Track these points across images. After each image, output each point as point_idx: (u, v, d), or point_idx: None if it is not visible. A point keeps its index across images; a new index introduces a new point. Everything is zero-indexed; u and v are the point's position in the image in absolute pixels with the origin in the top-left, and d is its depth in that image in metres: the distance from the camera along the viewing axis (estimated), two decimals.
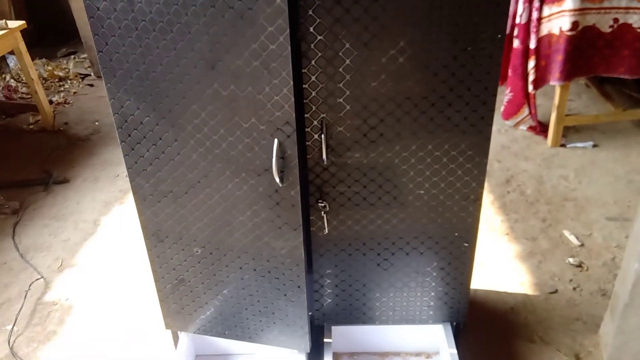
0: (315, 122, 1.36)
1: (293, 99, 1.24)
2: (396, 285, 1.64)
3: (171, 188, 1.45)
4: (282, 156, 1.31)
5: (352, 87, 1.30)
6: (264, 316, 1.64)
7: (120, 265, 2.34)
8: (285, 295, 1.57)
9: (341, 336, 1.75)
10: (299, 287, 1.54)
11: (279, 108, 1.26)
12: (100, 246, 2.46)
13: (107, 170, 2.97)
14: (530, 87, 2.94)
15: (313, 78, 1.30)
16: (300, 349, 1.69)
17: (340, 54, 1.27)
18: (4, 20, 2.90)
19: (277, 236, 1.47)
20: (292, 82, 1.22)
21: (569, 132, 3.12)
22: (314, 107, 1.33)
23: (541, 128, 3.13)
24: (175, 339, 1.80)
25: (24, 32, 3.04)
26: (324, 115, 1.34)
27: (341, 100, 1.32)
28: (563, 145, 3.04)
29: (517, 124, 3.17)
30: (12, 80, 3.74)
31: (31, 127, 3.39)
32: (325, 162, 1.40)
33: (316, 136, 1.37)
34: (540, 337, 1.94)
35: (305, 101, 1.33)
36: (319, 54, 1.27)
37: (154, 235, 1.54)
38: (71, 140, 3.24)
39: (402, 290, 1.64)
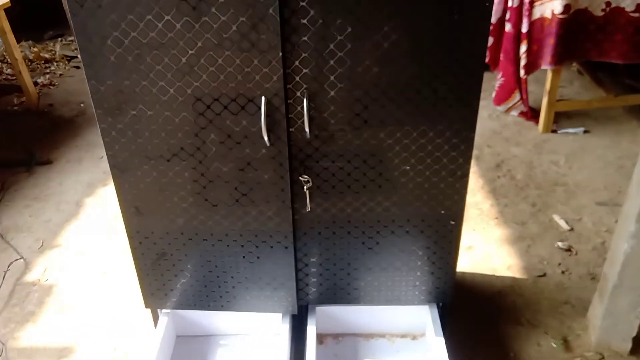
0: (298, 94, 1.31)
1: (281, 54, 1.21)
2: (381, 265, 1.60)
3: (151, 157, 1.40)
4: (269, 115, 1.29)
5: (337, 56, 1.26)
6: (250, 282, 1.61)
7: (102, 247, 2.29)
8: (272, 258, 1.55)
9: (325, 317, 1.71)
10: (286, 248, 1.51)
11: (266, 64, 1.21)
12: (82, 227, 2.41)
13: (92, 152, 2.92)
14: (522, 72, 2.90)
15: (298, 46, 1.25)
16: (288, 311, 1.67)
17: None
18: None
19: (264, 197, 1.44)
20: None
21: (560, 119, 3.09)
22: (297, 78, 1.29)
23: (532, 114, 3.10)
24: (155, 318, 1.76)
25: (10, 14, 2.97)
26: (307, 86, 1.30)
27: (325, 70, 1.28)
28: (554, 131, 3.02)
29: (509, 110, 3.14)
30: None
31: (15, 108, 3.33)
32: (309, 136, 1.36)
33: (299, 108, 1.33)
34: (528, 320, 1.91)
35: (287, 71, 1.28)
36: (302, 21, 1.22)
37: (133, 209, 1.50)
38: (56, 122, 3.18)
39: (387, 270, 1.61)
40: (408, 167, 1.42)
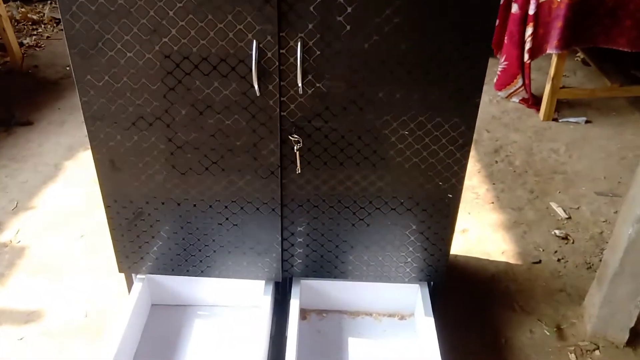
0: (291, 43, 1.21)
1: None
2: (372, 238, 1.50)
3: (130, 105, 1.30)
4: (260, 60, 1.19)
5: (336, 1, 1.16)
6: (232, 247, 1.52)
7: (80, 210, 2.18)
8: (257, 221, 1.46)
9: (310, 291, 1.62)
10: (273, 209, 1.42)
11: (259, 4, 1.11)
12: (59, 190, 2.30)
13: (75, 114, 2.79)
14: (526, 56, 2.80)
15: None
16: (271, 278, 1.58)
17: None
18: None
19: (252, 153, 1.35)
20: None
21: (562, 107, 3.00)
22: (290, 25, 1.18)
23: (534, 101, 3.01)
24: (130, 284, 1.66)
25: None
26: (302, 34, 1.20)
27: (322, 17, 1.17)
28: (555, 120, 2.93)
29: (510, 96, 3.05)
30: None
31: None
32: (301, 91, 1.25)
33: (292, 59, 1.23)
34: (521, 307, 1.83)
35: (281, 15, 1.18)
36: None
37: (108, 163, 1.39)
38: (40, 83, 3.04)
39: (378, 244, 1.51)
40: (406, 132, 1.32)
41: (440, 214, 1.45)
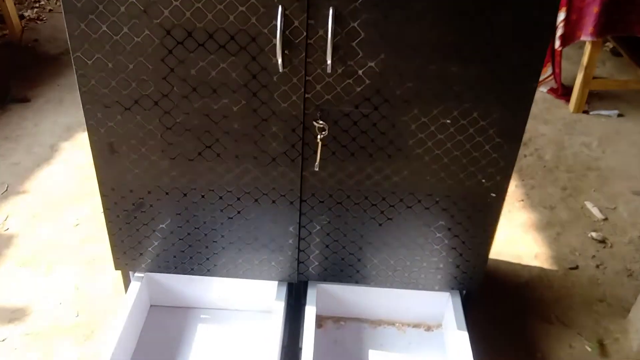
0: (321, 12, 1.03)
1: None
2: (401, 241, 1.33)
3: (133, 80, 1.12)
4: (285, 31, 1.02)
5: None
6: (243, 243, 1.35)
7: (76, 196, 2.01)
8: (272, 214, 1.29)
9: (327, 296, 1.45)
10: (291, 203, 1.26)
11: None
12: (54, 173, 2.13)
13: (74, 93, 2.61)
14: (557, 43, 2.61)
15: None
16: (285, 279, 1.41)
17: None
18: None
19: (269, 138, 1.18)
20: None
21: (593, 99, 2.81)
22: None
23: (563, 91, 2.82)
24: (127, 282, 1.49)
25: None
26: (335, 2, 1.01)
27: None
28: (586, 112, 2.74)
29: (538, 85, 2.85)
30: None
31: None
32: (330, 69, 1.07)
33: (321, 32, 1.05)
34: (558, 317, 1.66)
35: None
36: None
37: (106, 146, 1.22)
38: (39, 58, 2.86)
39: (407, 246, 1.34)
40: (448, 121, 1.15)
41: (481, 215, 1.28)
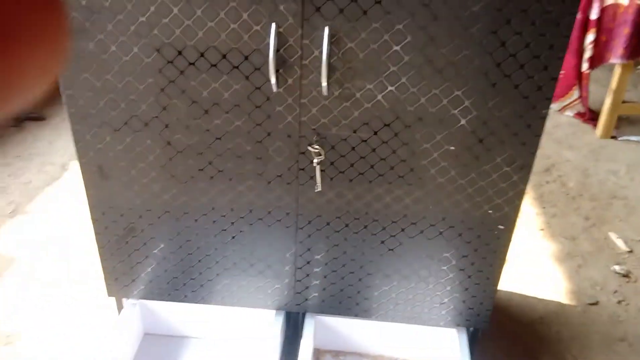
0: (315, 32, 0.97)
1: None
2: (403, 272, 1.26)
3: (122, 100, 1.08)
4: (279, 49, 0.97)
5: None
6: (238, 269, 1.29)
7: (80, 217, 1.99)
8: (268, 239, 1.23)
9: (326, 329, 1.38)
10: (287, 227, 1.20)
11: None
12: (62, 193, 2.12)
13: None
14: (585, 66, 2.52)
15: None
16: (282, 308, 1.35)
17: None
18: None
19: (264, 161, 1.12)
20: None
21: (622, 124, 2.70)
22: (315, 7, 0.95)
23: (590, 115, 2.71)
24: (120, 309, 1.44)
25: None
26: (331, 22, 0.96)
27: (356, 0, 0.94)
28: (614, 137, 2.62)
29: (563, 109, 2.76)
30: None
31: None
32: (326, 92, 1.02)
33: (316, 52, 0.99)
34: (575, 358, 1.55)
35: None
36: None
37: (96, 169, 1.18)
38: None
39: (409, 279, 1.26)
40: (452, 147, 1.07)
41: (487, 248, 1.19)
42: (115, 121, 1.11)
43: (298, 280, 1.29)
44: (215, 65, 1.03)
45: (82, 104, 1.10)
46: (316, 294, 1.31)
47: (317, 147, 1.09)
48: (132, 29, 1.00)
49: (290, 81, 1.03)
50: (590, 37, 2.43)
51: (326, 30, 0.96)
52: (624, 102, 2.56)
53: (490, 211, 1.14)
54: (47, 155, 2.33)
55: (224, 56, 1.02)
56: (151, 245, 1.29)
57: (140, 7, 0.98)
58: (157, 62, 1.03)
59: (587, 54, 2.47)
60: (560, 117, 2.76)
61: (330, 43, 0.98)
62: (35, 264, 1.79)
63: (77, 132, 1.14)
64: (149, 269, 1.33)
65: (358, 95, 1.03)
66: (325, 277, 1.28)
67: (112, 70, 1.05)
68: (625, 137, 2.61)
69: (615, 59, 2.37)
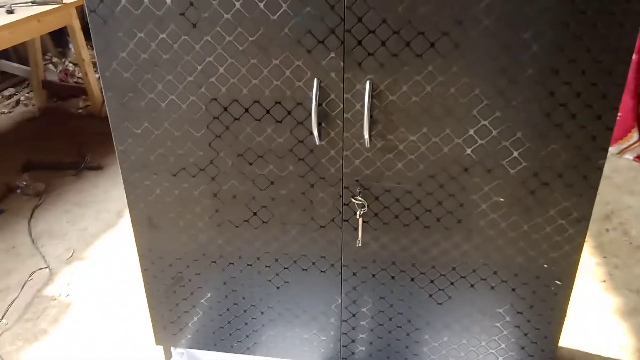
0: (358, 86, 0.98)
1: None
2: (453, 328, 1.20)
3: (171, 154, 1.11)
4: (321, 103, 0.98)
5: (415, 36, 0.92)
6: (284, 321, 1.28)
7: (133, 266, 2.03)
8: (314, 290, 1.21)
9: None
10: (332, 279, 1.17)
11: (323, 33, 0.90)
12: (117, 240, 2.17)
13: None
14: None
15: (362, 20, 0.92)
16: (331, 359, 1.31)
17: None
18: None
19: (309, 211, 1.11)
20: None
21: None
22: (357, 62, 0.96)
23: None
24: (168, 358, 1.45)
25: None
26: (372, 76, 0.96)
27: (398, 55, 0.94)
28: None
29: (622, 152, 2.64)
30: (70, 64, 3.61)
31: (79, 111, 3.22)
32: (368, 144, 1.01)
33: (358, 106, 0.99)
34: None
35: (344, 52, 0.95)
36: None
37: (145, 220, 1.20)
38: None
39: (460, 335, 1.21)
40: (502, 199, 1.04)
41: (544, 305, 1.13)
42: (164, 174, 1.14)
43: (344, 333, 1.26)
44: (259, 120, 1.04)
45: (134, 159, 1.14)
46: (363, 348, 1.28)
47: (360, 199, 1.08)
48: (180, 88, 1.03)
49: (332, 134, 1.03)
50: None
51: (367, 84, 0.96)
52: None
53: (545, 265, 1.09)
54: (103, 203, 2.41)
55: (268, 111, 1.03)
56: (198, 295, 1.29)
57: (190, 64, 1.01)
58: (205, 117, 1.06)
59: None
60: (619, 161, 2.65)
61: (371, 96, 0.97)
62: (91, 309, 1.83)
63: (128, 185, 1.17)
64: (196, 319, 1.33)
65: (401, 147, 1.02)
66: (372, 330, 1.25)
67: (162, 126, 1.08)
68: None
69: None
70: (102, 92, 3.23)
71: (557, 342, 1.17)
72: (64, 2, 2.76)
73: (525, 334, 1.17)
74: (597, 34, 0.87)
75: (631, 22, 0.85)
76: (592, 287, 1.90)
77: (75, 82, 3.45)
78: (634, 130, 2.54)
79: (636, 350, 1.64)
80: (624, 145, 2.61)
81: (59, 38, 3.82)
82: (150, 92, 1.05)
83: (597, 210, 2.30)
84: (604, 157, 0.98)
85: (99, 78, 1.07)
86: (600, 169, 1.00)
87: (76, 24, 2.87)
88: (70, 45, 3.81)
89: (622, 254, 2.05)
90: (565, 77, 0.91)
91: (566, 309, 1.13)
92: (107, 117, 1.10)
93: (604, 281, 1.92)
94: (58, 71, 3.49)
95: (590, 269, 1.98)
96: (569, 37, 0.88)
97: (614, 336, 1.70)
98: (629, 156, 2.65)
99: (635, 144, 2.58)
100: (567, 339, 1.68)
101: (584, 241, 1.06)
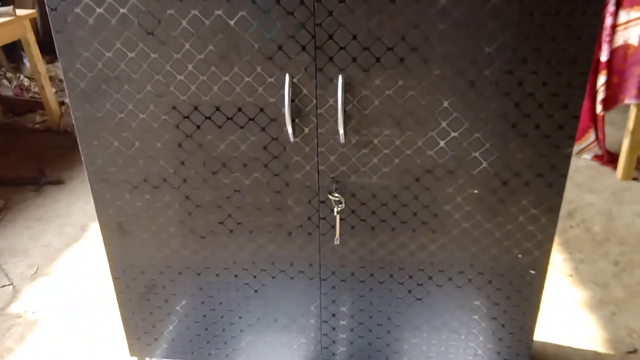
0: (330, 81, 0.98)
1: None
2: (432, 324, 1.21)
3: (140, 157, 1.08)
4: (294, 99, 0.98)
5: (382, 26, 0.93)
6: (262, 325, 1.25)
7: (100, 278, 1.97)
8: (292, 293, 1.20)
9: None
10: (311, 279, 1.16)
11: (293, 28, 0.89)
12: (82, 254, 2.11)
13: None
14: (599, 108, 2.51)
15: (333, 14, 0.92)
16: None
17: None
18: (11, 7, 2.66)
19: (283, 211, 1.10)
20: None
21: None
22: (329, 58, 0.96)
23: (609, 158, 2.68)
24: None
25: (49, 32, 2.80)
26: (344, 70, 0.97)
27: (370, 48, 0.94)
28: (636, 179, 2.57)
29: (581, 152, 2.73)
30: (25, 79, 3.51)
31: (37, 126, 3.13)
32: (343, 139, 1.01)
33: (331, 101, 0.99)
34: None
35: (317, 49, 0.95)
36: None
37: (116, 227, 1.17)
38: (76, 142, 2.92)
39: (440, 330, 1.21)
40: (476, 191, 1.05)
41: (520, 295, 1.15)
42: (133, 178, 1.11)
43: (324, 334, 1.25)
44: (231, 119, 1.03)
45: (101, 163, 1.11)
46: (344, 349, 1.27)
47: (337, 195, 1.08)
48: (148, 87, 1.01)
49: (306, 130, 1.03)
50: (601, 79, 2.43)
51: (340, 78, 0.96)
52: None
53: (520, 255, 1.11)
54: (66, 217, 2.34)
55: (240, 109, 1.02)
56: (173, 302, 1.26)
57: (155, 66, 0.99)
58: (174, 118, 1.04)
59: (600, 96, 2.46)
60: (578, 161, 2.73)
61: (344, 91, 0.98)
62: (58, 325, 1.76)
63: (95, 190, 1.14)
64: (171, 327, 1.29)
65: (376, 141, 1.03)
66: (352, 330, 1.24)
67: (129, 128, 1.06)
68: None
69: (630, 100, 2.36)
70: (59, 106, 3.17)
71: (533, 332, 1.19)
72: (17, 14, 2.70)
73: (503, 325, 1.18)
74: (561, 22, 0.89)
75: (593, 8, 0.87)
76: (560, 282, 1.94)
77: (31, 96, 3.36)
78: (590, 131, 2.63)
79: (605, 340, 1.68)
80: (582, 146, 2.69)
81: (12, 53, 3.72)
82: (116, 93, 1.03)
83: (561, 208, 2.36)
84: (572, 145, 1.01)
85: (56, 92, 1.05)
86: (568, 158, 1.02)
87: (31, 37, 2.79)
88: (25, 60, 3.72)
89: (587, 250, 2.11)
90: (532, 66, 0.93)
91: (540, 299, 1.15)
92: (66, 130, 1.07)
93: (571, 276, 1.97)
94: (13, 86, 3.38)
95: (557, 265, 2.02)
96: (535, 27, 0.90)
97: (583, 328, 1.73)
98: (587, 156, 2.73)
99: (593, 144, 2.66)
100: (539, 333, 1.70)
101: (555, 230, 1.08)
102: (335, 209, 1.08)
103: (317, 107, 1.00)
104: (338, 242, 1.11)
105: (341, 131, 0.99)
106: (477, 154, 1.02)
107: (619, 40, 2.35)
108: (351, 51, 0.94)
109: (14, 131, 3.13)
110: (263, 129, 1.03)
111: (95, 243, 2.17)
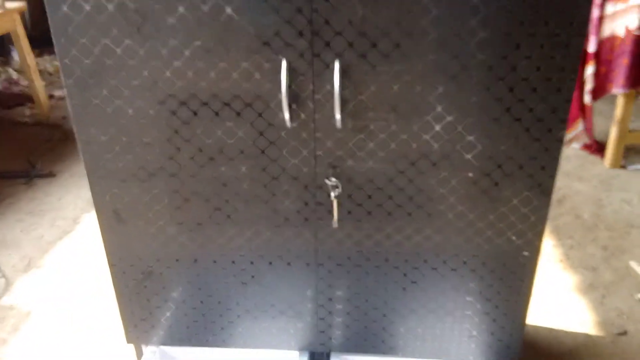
0: (326, 65, 0.99)
1: None
2: (428, 307, 1.23)
3: (135, 144, 1.09)
4: (290, 85, 0.98)
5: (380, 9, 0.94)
6: (259, 311, 1.27)
7: (93, 270, 1.97)
8: (288, 278, 1.21)
9: None
10: (307, 265, 1.17)
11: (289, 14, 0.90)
12: (74, 246, 2.11)
13: None
14: (587, 98, 2.54)
15: None
16: (306, 347, 1.31)
17: None
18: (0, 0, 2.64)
19: (281, 197, 1.11)
20: None
21: (630, 154, 2.70)
22: (325, 42, 0.97)
23: (597, 147, 2.72)
24: (139, 356, 1.41)
25: (40, 27, 2.78)
26: (340, 54, 0.98)
27: (366, 32, 0.95)
28: (623, 167, 2.62)
29: (570, 141, 2.77)
30: (14, 72, 3.49)
31: (26, 119, 3.11)
32: (339, 125, 1.02)
33: (327, 86, 1.01)
34: None
35: (312, 32, 0.96)
36: None
37: (112, 214, 1.18)
38: (66, 135, 2.92)
39: (435, 313, 1.23)
40: (471, 174, 1.07)
41: (514, 277, 1.17)
42: (130, 165, 1.12)
43: (321, 319, 1.26)
44: (228, 105, 1.04)
45: (97, 150, 1.11)
46: (340, 332, 1.28)
47: (333, 179, 1.09)
48: (144, 71, 1.02)
49: (303, 116, 1.04)
50: (589, 69, 2.46)
51: (337, 63, 0.97)
52: (630, 131, 2.57)
53: (513, 238, 1.13)
54: (57, 210, 2.33)
55: (236, 95, 1.03)
56: (170, 289, 1.27)
57: (151, 52, 1.00)
58: (171, 104, 1.04)
59: (588, 86, 2.49)
60: (568, 150, 2.77)
61: (341, 76, 0.99)
62: (52, 316, 1.77)
63: (92, 178, 1.14)
64: (169, 314, 1.30)
65: (372, 126, 1.04)
66: (348, 314, 1.25)
67: (125, 115, 1.06)
68: (634, 167, 2.61)
69: (617, 89, 2.39)
70: (49, 99, 3.15)
71: (526, 312, 1.21)
72: (6, 7, 2.68)
73: (497, 306, 1.20)
74: (554, 7, 0.91)
75: None
76: (551, 267, 1.97)
77: (19, 90, 3.33)
78: (579, 121, 2.67)
79: (596, 322, 1.72)
80: (571, 135, 2.73)
81: (0, 46, 3.68)
82: (113, 78, 1.03)
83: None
84: (564, 128, 1.03)
85: (45, 85, 1.05)
86: (560, 141, 1.04)
87: (20, 30, 2.77)
88: (13, 53, 3.69)
89: (576, 236, 2.15)
90: (526, 51, 0.95)
91: (533, 280, 1.17)
92: (57, 123, 1.07)
93: (561, 261, 2.00)
94: (1, 80, 3.36)
95: (548, 251, 2.05)
96: (528, 11, 0.92)
97: (574, 312, 1.77)
98: (576, 145, 2.77)
99: (581, 133, 2.70)
100: (532, 317, 1.74)
101: (547, 212, 1.10)
102: (332, 194, 1.10)
103: (313, 93, 1.01)
104: (336, 226, 1.13)
105: (338, 116, 1.00)
106: (471, 138, 1.03)
107: (606, 31, 2.38)
108: (348, 36, 0.95)
109: (3, 125, 3.11)
110: (260, 115, 1.04)
111: (88, 235, 2.17)
